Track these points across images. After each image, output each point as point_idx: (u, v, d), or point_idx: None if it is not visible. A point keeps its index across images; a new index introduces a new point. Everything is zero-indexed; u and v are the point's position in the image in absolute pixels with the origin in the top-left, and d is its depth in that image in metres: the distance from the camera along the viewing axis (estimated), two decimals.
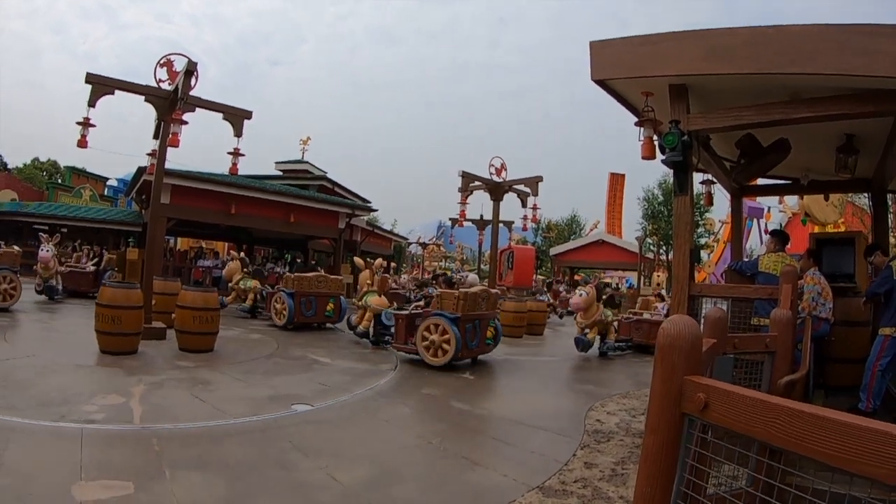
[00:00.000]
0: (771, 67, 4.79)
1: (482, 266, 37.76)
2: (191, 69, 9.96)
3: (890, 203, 12.25)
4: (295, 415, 6.10)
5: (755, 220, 30.22)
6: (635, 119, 6.11)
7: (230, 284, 15.80)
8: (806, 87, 5.05)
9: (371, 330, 11.87)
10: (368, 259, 14.81)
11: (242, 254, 18.62)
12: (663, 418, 1.89)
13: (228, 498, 3.88)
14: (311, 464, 4.68)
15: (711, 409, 1.74)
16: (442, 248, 47.08)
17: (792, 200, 24.57)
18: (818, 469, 1.75)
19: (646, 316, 14.82)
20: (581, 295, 12.29)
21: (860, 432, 1.32)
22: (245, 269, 15.88)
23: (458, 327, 9.24)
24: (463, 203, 18.10)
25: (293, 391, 7.16)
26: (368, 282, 12.39)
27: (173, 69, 10.58)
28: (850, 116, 5.19)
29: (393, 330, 10.78)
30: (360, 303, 12.31)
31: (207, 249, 28.25)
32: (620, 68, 5.58)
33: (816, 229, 16.31)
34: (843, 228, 17.74)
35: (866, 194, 14.23)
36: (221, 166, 10.97)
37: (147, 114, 10.62)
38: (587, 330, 12.29)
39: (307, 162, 30.24)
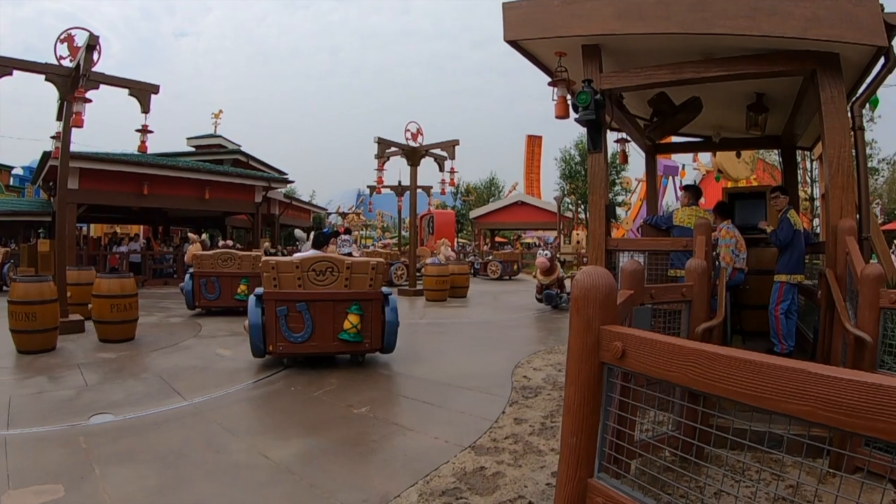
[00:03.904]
0: (683, 27, 4.87)
1: (403, 232, 37.69)
2: (92, 44, 9.46)
3: (799, 159, 12.78)
4: (225, 395, 5.97)
5: (670, 178, 31.17)
6: (549, 80, 6.14)
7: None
8: (718, 47, 5.16)
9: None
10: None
11: (204, 236, 17.77)
12: (582, 369, 1.90)
13: (160, 488, 3.74)
14: (242, 444, 4.58)
15: (629, 356, 1.75)
16: (362, 217, 46.67)
17: (705, 158, 25.41)
18: (739, 410, 1.79)
19: None
20: None
21: (777, 371, 1.34)
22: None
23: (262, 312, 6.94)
24: (380, 170, 17.81)
25: (227, 368, 7.05)
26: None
27: (74, 44, 9.92)
28: (761, 76, 5.36)
29: None
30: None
31: (123, 234, 27.01)
32: (533, 28, 5.56)
33: (729, 185, 16.91)
34: (755, 184, 18.43)
35: (776, 151, 14.89)
36: (131, 146, 10.49)
37: (49, 94, 10.03)
38: None
39: (220, 136, 29.33)
